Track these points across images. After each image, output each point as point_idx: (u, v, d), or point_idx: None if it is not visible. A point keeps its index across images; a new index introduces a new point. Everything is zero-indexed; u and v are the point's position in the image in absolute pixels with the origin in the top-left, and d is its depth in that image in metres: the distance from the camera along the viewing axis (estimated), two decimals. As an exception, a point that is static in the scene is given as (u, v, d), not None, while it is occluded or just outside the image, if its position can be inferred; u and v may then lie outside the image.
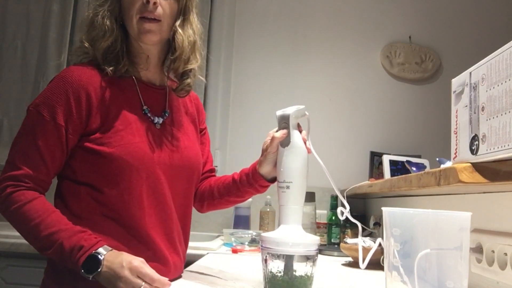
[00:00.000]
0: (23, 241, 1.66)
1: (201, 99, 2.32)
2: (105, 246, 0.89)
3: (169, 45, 1.07)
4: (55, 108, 0.93)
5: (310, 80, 2.40)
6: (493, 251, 0.79)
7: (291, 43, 2.43)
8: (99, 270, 0.85)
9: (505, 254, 0.76)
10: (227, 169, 2.32)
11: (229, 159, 2.35)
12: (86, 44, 1.01)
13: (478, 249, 0.83)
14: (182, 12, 1.04)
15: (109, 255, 0.87)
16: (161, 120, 1.05)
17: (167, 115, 1.07)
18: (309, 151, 0.97)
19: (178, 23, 1.04)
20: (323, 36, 2.44)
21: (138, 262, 0.86)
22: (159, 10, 0.99)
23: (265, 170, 1.04)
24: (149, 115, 1.03)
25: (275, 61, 2.42)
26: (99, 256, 0.86)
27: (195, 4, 1.08)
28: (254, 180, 1.06)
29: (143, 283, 0.84)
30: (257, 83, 2.41)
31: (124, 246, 0.94)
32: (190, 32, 1.05)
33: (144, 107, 1.03)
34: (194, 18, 1.08)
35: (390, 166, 1.79)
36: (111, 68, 0.99)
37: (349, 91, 2.39)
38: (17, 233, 1.85)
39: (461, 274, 0.61)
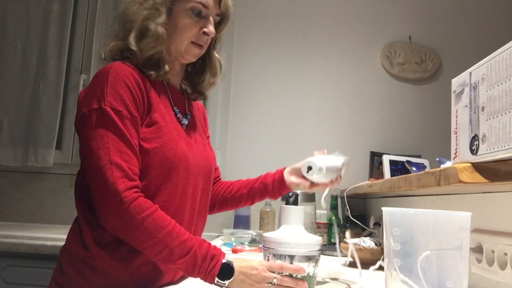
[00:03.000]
0: (23, 241, 1.68)
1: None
2: (226, 255, 0.92)
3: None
4: (126, 102, 0.93)
5: (310, 80, 2.40)
6: (493, 251, 0.79)
7: (291, 43, 2.43)
8: (233, 276, 0.87)
9: (505, 254, 0.76)
10: (227, 169, 2.32)
11: (229, 159, 2.35)
12: (135, 48, 1.00)
13: (478, 249, 0.84)
14: (217, 38, 1.15)
15: (236, 262, 0.89)
16: (186, 122, 1.10)
17: (188, 117, 1.13)
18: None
19: (215, 48, 1.16)
20: (323, 36, 2.44)
21: (266, 261, 0.89)
22: (209, 39, 1.08)
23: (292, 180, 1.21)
24: (178, 115, 1.08)
25: (275, 61, 2.42)
26: (230, 264, 0.88)
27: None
28: (282, 190, 1.23)
29: (276, 274, 0.86)
30: (257, 83, 2.41)
31: None
32: (218, 56, 1.18)
33: (175, 108, 1.08)
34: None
35: (390, 166, 1.79)
36: (152, 72, 1.01)
37: (349, 91, 2.39)
38: (17, 233, 1.85)
39: (461, 274, 0.61)
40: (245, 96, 2.40)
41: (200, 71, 1.17)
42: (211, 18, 1.06)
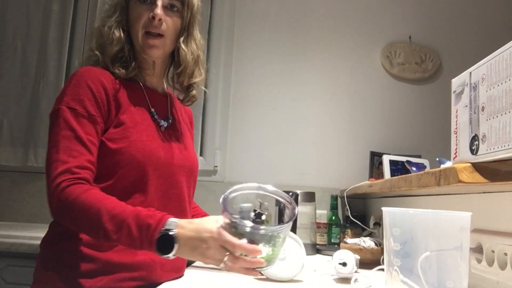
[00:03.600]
0: (23, 241, 1.68)
1: (201, 99, 2.32)
2: (171, 218, 0.83)
3: (173, 57, 1.13)
4: (84, 101, 0.96)
5: (310, 80, 2.40)
6: (493, 251, 0.79)
7: (291, 43, 2.43)
8: (174, 249, 0.80)
9: (505, 254, 0.76)
10: (227, 169, 2.32)
11: (229, 159, 2.35)
12: (96, 52, 1.05)
13: (478, 249, 0.84)
14: (185, 28, 1.10)
15: (181, 227, 0.81)
16: (166, 124, 1.10)
17: (170, 121, 1.12)
18: None
19: (182, 39, 1.09)
20: (323, 36, 2.44)
21: (217, 229, 0.80)
22: (164, 26, 1.05)
23: None
24: (156, 117, 1.08)
25: (275, 61, 2.42)
26: (169, 232, 0.80)
27: (197, 20, 1.13)
28: None
29: (227, 254, 0.79)
30: (257, 83, 2.41)
31: None
32: (193, 47, 1.11)
33: (152, 110, 1.08)
34: (197, 33, 1.13)
35: (390, 166, 1.79)
36: (122, 71, 1.03)
37: (349, 91, 2.39)
38: (17, 233, 1.85)
39: (461, 274, 0.61)
40: (245, 96, 2.40)
41: (175, 68, 1.14)
42: (158, 2, 1.04)
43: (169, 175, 1.05)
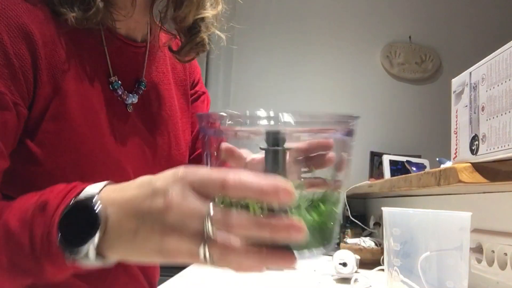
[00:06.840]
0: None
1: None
2: (91, 185, 0.43)
3: None
4: None
5: (311, 80, 2.40)
6: (493, 251, 0.79)
7: (291, 43, 2.43)
8: (96, 236, 0.39)
9: (505, 254, 0.76)
10: (227, 169, 2.32)
11: (229, 159, 2.35)
12: None
13: (478, 249, 0.84)
14: None
15: (109, 193, 0.42)
16: (135, 99, 0.68)
17: (143, 87, 0.69)
18: None
19: None
20: (323, 36, 2.44)
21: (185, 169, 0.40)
22: None
23: None
24: (119, 92, 0.65)
25: (275, 61, 2.42)
26: (92, 204, 0.41)
27: None
28: None
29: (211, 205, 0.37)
30: (257, 83, 2.41)
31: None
32: None
33: (112, 79, 0.65)
34: None
35: (390, 166, 1.79)
36: (73, 15, 0.58)
37: (349, 91, 2.39)
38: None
39: (461, 274, 0.61)
40: (245, 95, 2.40)
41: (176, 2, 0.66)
42: None
43: None
